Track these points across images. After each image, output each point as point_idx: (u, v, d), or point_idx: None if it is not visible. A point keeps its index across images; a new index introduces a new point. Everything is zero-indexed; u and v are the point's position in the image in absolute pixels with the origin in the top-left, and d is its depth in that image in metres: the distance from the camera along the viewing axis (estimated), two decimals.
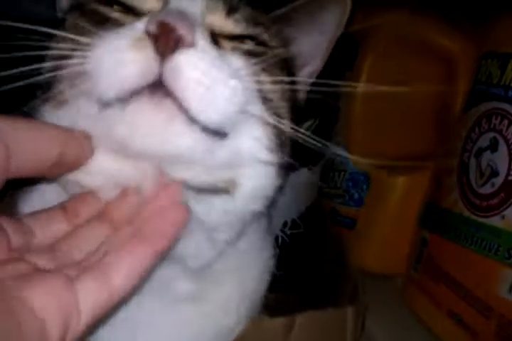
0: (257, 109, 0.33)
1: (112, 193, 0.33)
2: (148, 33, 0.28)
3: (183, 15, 0.30)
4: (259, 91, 0.34)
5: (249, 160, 0.34)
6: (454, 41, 0.73)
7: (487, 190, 0.56)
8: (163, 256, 0.31)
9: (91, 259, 0.29)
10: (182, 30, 0.28)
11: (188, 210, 0.31)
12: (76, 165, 0.31)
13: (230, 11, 0.36)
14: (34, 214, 0.32)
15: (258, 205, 0.37)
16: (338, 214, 0.80)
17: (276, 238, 0.65)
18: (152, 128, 0.29)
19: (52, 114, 0.33)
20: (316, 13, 0.41)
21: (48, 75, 0.31)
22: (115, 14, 0.34)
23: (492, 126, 0.56)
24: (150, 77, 0.28)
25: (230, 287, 0.42)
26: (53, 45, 0.33)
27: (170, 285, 0.39)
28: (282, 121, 0.36)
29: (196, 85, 0.29)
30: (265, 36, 0.38)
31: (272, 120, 0.34)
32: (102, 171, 0.32)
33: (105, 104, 0.29)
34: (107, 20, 0.34)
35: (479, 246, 0.56)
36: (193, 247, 0.36)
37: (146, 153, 0.30)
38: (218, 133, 0.31)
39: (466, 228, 0.58)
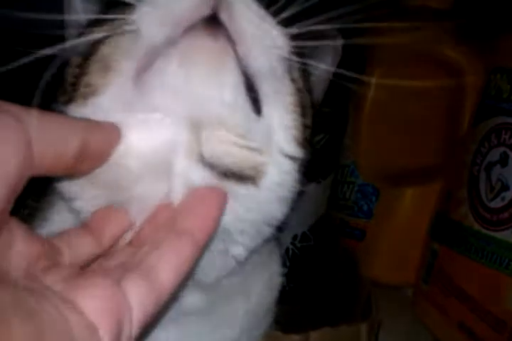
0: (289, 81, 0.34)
1: (147, 185, 0.30)
2: None
3: None
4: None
5: (277, 149, 0.34)
6: (461, 54, 0.73)
7: (497, 203, 0.56)
8: (205, 248, 0.30)
9: (133, 260, 0.28)
10: None
11: (225, 193, 0.30)
12: (102, 157, 0.29)
13: None
14: (59, 234, 0.30)
15: (281, 206, 0.36)
16: (348, 226, 0.81)
17: (287, 251, 0.65)
18: (206, 62, 0.29)
19: (78, 114, 0.32)
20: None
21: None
22: None
23: (502, 140, 0.56)
24: (206, 10, 0.28)
25: (235, 301, 0.42)
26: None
27: (178, 298, 0.38)
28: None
29: (249, 21, 0.29)
30: None
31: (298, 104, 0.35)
32: (133, 151, 0.30)
33: (150, 56, 0.29)
34: None
35: (490, 259, 0.56)
36: (206, 261, 0.35)
37: (196, 102, 0.29)
38: (256, 104, 0.31)
39: (476, 241, 0.59)
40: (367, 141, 0.79)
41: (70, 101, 0.32)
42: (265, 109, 0.32)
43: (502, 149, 0.56)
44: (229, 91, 0.29)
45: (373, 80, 0.79)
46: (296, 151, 0.35)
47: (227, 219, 0.32)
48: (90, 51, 0.33)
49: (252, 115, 0.31)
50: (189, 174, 0.30)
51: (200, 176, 0.30)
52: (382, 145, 0.79)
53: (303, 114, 0.36)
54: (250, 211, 0.34)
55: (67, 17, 0.38)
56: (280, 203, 0.35)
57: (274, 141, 0.33)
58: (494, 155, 0.58)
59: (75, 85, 0.33)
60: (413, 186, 0.76)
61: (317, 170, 0.67)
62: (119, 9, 0.32)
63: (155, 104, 0.29)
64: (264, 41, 0.30)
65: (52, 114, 0.27)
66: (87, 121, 0.29)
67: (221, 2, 0.29)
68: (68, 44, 0.31)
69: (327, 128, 0.69)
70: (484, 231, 0.58)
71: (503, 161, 0.56)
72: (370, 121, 0.79)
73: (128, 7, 0.31)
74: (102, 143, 0.28)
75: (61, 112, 0.32)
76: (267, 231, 0.36)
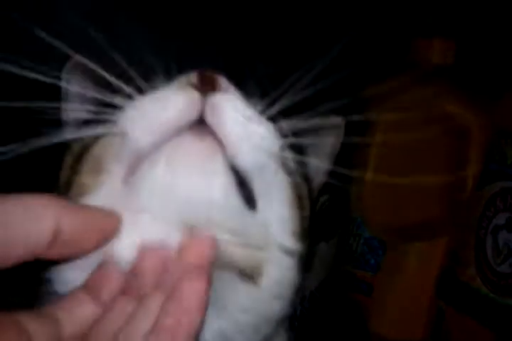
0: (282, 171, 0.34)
1: (132, 255, 0.30)
2: (189, 82, 0.30)
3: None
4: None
5: (275, 244, 0.33)
6: (467, 111, 0.74)
7: (505, 269, 0.57)
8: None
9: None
10: (219, 79, 0.31)
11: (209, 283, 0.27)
12: (80, 245, 0.27)
13: None
14: (57, 302, 0.30)
15: (281, 304, 0.35)
16: (355, 278, 0.81)
17: (295, 311, 0.65)
18: (193, 163, 0.29)
19: None
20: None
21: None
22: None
23: (508, 205, 0.57)
24: (192, 115, 0.29)
25: None
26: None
27: None
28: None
29: (236, 122, 0.30)
30: None
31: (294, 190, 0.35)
32: (124, 250, 0.30)
33: (138, 159, 0.29)
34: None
35: (499, 325, 0.56)
36: None
37: (182, 201, 0.29)
38: (249, 200, 0.31)
39: (485, 305, 0.59)
40: (372, 196, 0.80)
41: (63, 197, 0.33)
42: (260, 203, 0.32)
43: (508, 214, 0.57)
44: (218, 191, 0.29)
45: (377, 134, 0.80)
46: (296, 245, 0.34)
47: (224, 323, 0.32)
48: (82, 150, 0.33)
49: (246, 211, 0.31)
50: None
51: None
52: (388, 201, 0.80)
53: (300, 206, 0.35)
54: (248, 312, 0.33)
55: (64, 115, 0.40)
56: (280, 301, 0.34)
57: (271, 236, 0.33)
58: (500, 219, 0.58)
59: (68, 184, 0.33)
60: (419, 241, 0.76)
61: (325, 230, 0.67)
62: (112, 110, 0.32)
63: (144, 205, 0.29)
64: (252, 141, 0.30)
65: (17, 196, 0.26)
66: (64, 202, 0.27)
67: (207, 106, 0.29)
68: (60, 139, 0.31)
69: (331, 188, 0.70)
70: (493, 295, 0.58)
71: (509, 226, 0.57)
72: (375, 176, 0.79)
73: (119, 109, 0.32)
74: (79, 228, 0.27)
75: None
76: (267, 329, 0.35)
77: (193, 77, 0.31)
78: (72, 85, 0.39)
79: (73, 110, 0.39)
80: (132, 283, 0.29)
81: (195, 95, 0.29)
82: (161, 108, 0.29)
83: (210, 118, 0.29)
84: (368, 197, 0.81)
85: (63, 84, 0.38)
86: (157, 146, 0.29)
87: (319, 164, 0.42)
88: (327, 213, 0.69)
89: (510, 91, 0.61)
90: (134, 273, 0.29)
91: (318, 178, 0.45)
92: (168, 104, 0.29)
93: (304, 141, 0.39)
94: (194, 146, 0.29)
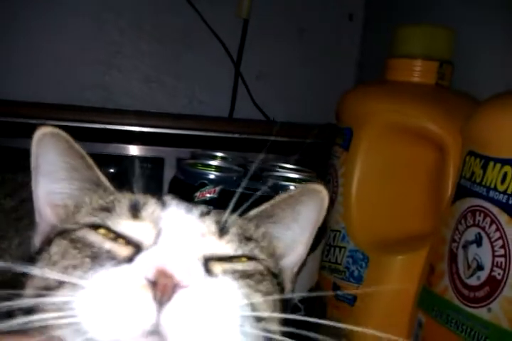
0: (251, 328, 0.34)
1: None
2: (146, 280, 0.31)
3: (178, 253, 0.33)
4: (252, 310, 0.35)
5: None
6: (444, 130, 0.77)
7: (474, 281, 0.60)
8: None
9: None
10: (180, 275, 0.31)
11: None
12: None
13: (222, 232, 0.39)
14: None
15: None
16: (339, 290, 0.84)
17: None
18: None
19: None
20: (296, 209, 0.45)
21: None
22: (107, 244, 0.36)
23: (476, 222, 0.60)
24: (146, 326, 0.30)
25: None
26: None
27: None
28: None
29: (192, 333, 0.30)
30: (256, 251, 0.41)
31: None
32: None
33: None
34: (98, 251, 0.35)
35: (469, 335, 0.59)
36: None
37: None
38: None
39: (456, 316, 0.62)
40: (357, 210, 0.83)
41: None
42: None
43: (477, 230, 0.60)
44: None
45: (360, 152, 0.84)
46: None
47: None
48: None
49: None
50: None
51: None
52: (372, 214, 0.83)
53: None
54: None
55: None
56: None
57: None
58: (470, 234, 0.61)
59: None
60: (402, 254, 0.79)
61: None
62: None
63: None
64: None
65: None
66: None
67: (163, 318, 0.30)
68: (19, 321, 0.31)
69: None
70: (463, 306, 0.61)
71: (478, 242, 0.60)
72: (359, 192, 0.83)
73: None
74: None
75: None
76: None
77: (151, 273, 0.31)
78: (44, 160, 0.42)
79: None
80: None
81: (149, 309, 0.30)
82: (117, 313, 0.30)
83: (165, 330, 0.30)
84: (353, 212, 0.84)
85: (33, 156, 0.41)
86: None
87: (295, 235, 0.45)
88: None
89: (477, 114, 0.64)
90: None
91: (294, 257, 0.47)
92: (121, 313, 0.30)
93: (282, 220, 0.43)
94: None
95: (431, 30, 0.88)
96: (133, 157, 1.06)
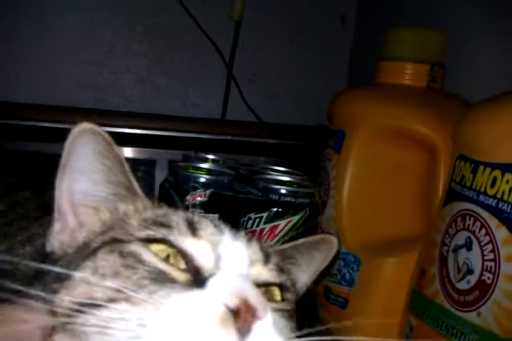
0: None
1: None
2: (226, 308, 0.30)
3: (248, 282, 0.33)
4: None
5: None
6: (436, 132, 0.78)
7: (464, 285, 0.60)
8: None
9: None
10: (259, 306, 0.31)
11: None
12: None
13: (267, 260, 0.40)
14: None
15: None
16: (331, 292, 0.84)
17: None
18: None
19: None
20: (312, 254, 0.48)
21: None
22: (161, 265, 0.34)
23: (466, 226, 0.60)
24: None
25: None
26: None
27: None
28: None
29: None
30: (288, 282, 0.42)
31: None
32: None
33: None
34: (153, 271, 0.34)
35: (459, 338, 0.59)
36: None
37: None
38: None
39: (446, 320, 0.62)
40: (348, 213, 0.83)
41: None
42: None
43: (467, 234, 0.60)
44: None
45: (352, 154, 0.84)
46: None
47: None
48: None
49: None
50: None
51: None
52: (363, 217, 0.84)
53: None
54: None
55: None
56: None
57: None
58: (460, 238, 0.61)
59: None
60: (393, 256, 0.79)
61: None
62: None
63: None
64: None
65: None
66: None
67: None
68: None
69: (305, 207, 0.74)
70: (453, 310, 0.61)
71: (468, 246, 0.60)
72: (351, 195, 0.83)
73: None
74: None
75: None
76: None
77: (233, 302, 0.31)
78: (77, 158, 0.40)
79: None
80: None
81: (233, 337, 0.30)
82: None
83: None
84: (344, 214, 0.84)
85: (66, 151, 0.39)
86: None
87: (306, 277, 0.48)
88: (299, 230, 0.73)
89: (467, 119, 0.64)
90: None
91: (301, 285, 0.49)
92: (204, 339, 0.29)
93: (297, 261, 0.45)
94: None
95: (422, 33, 0.88)
96: (124, 159, 1.06)
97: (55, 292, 0.34)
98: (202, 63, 1.30)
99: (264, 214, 0.73)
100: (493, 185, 0.57)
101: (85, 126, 0.39)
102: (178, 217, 0.38)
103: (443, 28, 0.89)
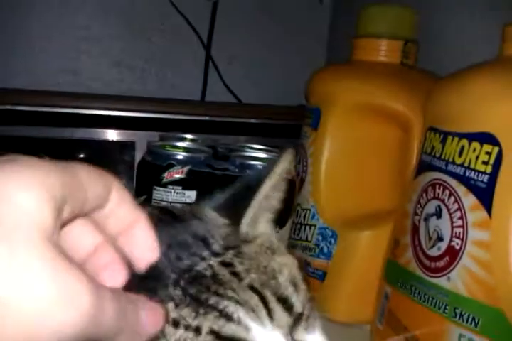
0: None
1: None
2: None
3: None
4: None
5: None
6: (409, 108, 0.79)
7: (434, 252, 0.62)
8: None
9: None
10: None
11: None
12: None
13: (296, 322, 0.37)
14: None
15: None
16: (310, 266, 0.86)
17: None
18: None
19: None
20: None
21: None
22: None
23: (436, 195, 0.62)
24: None
25: None
26: None
27: None
28: None
29: None
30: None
31: None
32: None
33: None
34: None
35: (431, 303, 0.62)
36: None
37: None
38: None
39: (419, 286, 0.64)
40: (326, 188, 0.85)
41: None
42: None
43: (437, 202, 0.62)
44: None
45: (328, 130, 0.85)
46: None
47: None
48: None
49: None
50: None
51: None
52: (340, 192, 0.85)
53: None
54: None
55: None
56: None
57: None
58: (431, 207, 0.63)
59: None
60: (368, 229, 0.81)
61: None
62: None
63: None
64: None
65: None
66: None
67: None
68: None
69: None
70: (425, 277, 0.63)
71: (438, 214, 0.62)
72: (328, 172, 0.85)
73: None
74: None
75: None
76: None
77: None
78: None
79: None
80: None
81: None
82: None
83: None
84: (322, 190, 0.86)
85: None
86: None
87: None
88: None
89: (435, 90, 0.66)
90: None
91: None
92: None
93: None
94: None
95: (395, 10, 0.89)
96: (104, 141, 1.06)
97: None
98: (180, 45, 1.30)
99: None
100: (460, 154, 0.59)
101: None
102: None
103: (417, 4, 0.90)
